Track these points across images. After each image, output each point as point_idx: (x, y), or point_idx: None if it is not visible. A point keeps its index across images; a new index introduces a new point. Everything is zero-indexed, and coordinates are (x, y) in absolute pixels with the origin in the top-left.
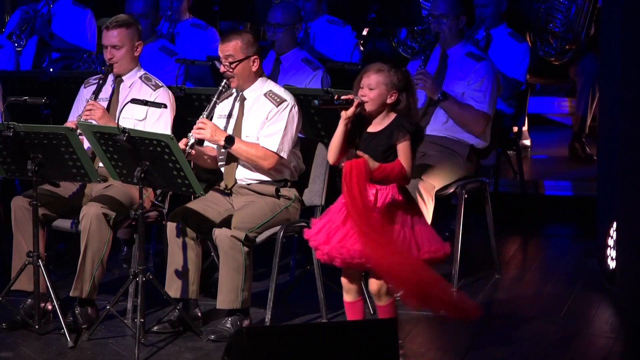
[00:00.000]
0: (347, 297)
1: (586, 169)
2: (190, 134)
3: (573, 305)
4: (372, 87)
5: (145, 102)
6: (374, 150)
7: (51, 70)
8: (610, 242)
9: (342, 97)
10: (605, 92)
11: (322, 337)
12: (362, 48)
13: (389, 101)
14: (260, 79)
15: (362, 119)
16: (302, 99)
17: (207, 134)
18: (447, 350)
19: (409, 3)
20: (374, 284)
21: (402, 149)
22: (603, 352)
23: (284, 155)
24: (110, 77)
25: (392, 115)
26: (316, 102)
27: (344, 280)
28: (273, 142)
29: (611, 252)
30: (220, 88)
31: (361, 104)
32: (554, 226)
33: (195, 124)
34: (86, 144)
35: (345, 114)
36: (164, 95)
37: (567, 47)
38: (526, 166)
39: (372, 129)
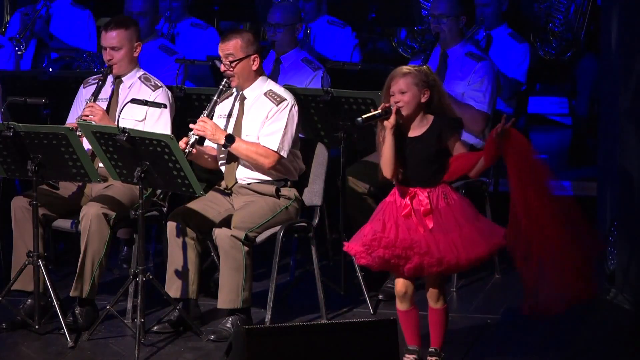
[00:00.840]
0: (401, 306)
1: (586, 169)
2: (191, 133)
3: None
4: (403, 90)
5: (145, 102)
6: (423, 154)
7: (51, 70)
8: (610, 242)
9: (379, 109)
10: (605, 92)
11: (322, 337)
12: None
13: (423, 100)
14: (260, 78)
15: (398, 126)
16: (302, 99)
17: (208, 133)
18: (447, 350)
19: (409, 3)
20: (435, 287)
21: (460, 147)
22: (603, 352)
23: (284, 154)
24: (110, 78)
25: (430, 117)
26: (359, 120)
27: (399, 287)
28: (273, 141)
29: (611, 252)
30: (221, 87)
31: (398, 111)
32: None
33: (195, 123)
34: (86, 145)
35: (389, 124)
36: (163, 95)
37: (566, 46)
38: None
39: (412, 133)
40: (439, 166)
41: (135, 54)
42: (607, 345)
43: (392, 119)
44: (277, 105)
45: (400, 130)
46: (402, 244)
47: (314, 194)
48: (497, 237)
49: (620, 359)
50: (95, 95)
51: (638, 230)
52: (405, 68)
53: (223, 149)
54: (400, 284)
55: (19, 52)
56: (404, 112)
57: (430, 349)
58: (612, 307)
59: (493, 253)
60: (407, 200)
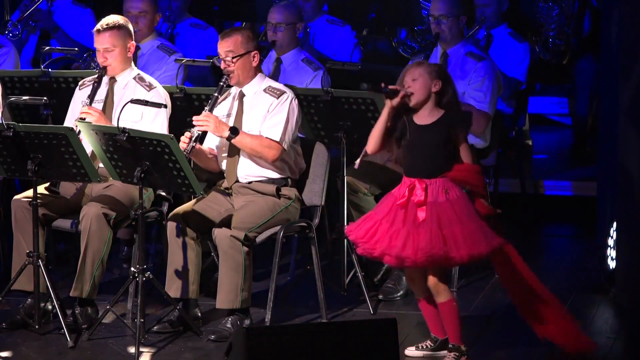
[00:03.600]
0: (419, 297)
1: (586, 169)
2: (193, 129)
3: (573, 305)
4: (415, 78)
5: (145, 102)
6: (427, 143)
7: (51, 70)
8: (610, 242)
9: (390, 87)
10: (605, 92)
11: (322, 337)
12: (362, 48)
13: (434, 89)
14: (258, 76)
15: (404, 112)
16: (302, 99)
17: (211, 127)
18: (446, 347)
19: (409, 3)
20: (431, 280)
21: (464, 149)
22: (603, 352)
23: (285, 146)
24: (105, 79)
25: (440, 111)
26: (365, 85)
27: (407, 275)
28: (276, 132)
29: (611, 252)
30: (221, 84)
31: (407, 96)
32: (554, 226)
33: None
34: (86, 145)
35: (389, 103)
36: (158, 95)
37: (562, 49)
38: (526, 166)
39: (420, 121)
40: (441, 158)
41: (129, 54)
42: (607, 345)
43: (396, 101)
44: (277, 99)
45: (409, 117)
46: (367, 245)
47: (314, 194)
48: (491, 240)
49: (620, 358)
50: (92, 97)
51: (638, 230)
52: (418, 60)
53: (224, 147)
54: (407, 275)
55: (13, 39)
56: (414, 99)
57: (449, 345)
58: (612, 307)
59: (480, 255)
60: (406, 191)
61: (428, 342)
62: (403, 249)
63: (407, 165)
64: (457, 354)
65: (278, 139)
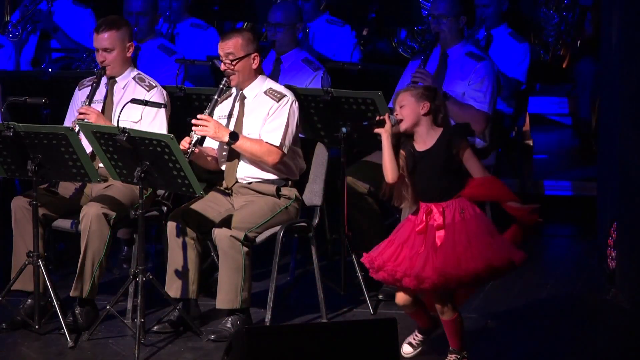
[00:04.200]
0: (407, 310)
1: (586, 169)
2: (193, 132)
3: (573, 305)
4: (402, 104)
5: (145, 102)
6: (432, 168)
7: (51, 70)
8: (610, 242)
9: (376, 120)
10: (605, 92)
11: (322, 337)
12: (362, 48)
13: (422, 112)
14: (259, 77)
15: (406, 138)
16: (302, 99)
17: (211, 131)
18: (447, 350)
19: (409, 3)
20: (436, 305)
21: (471, 161)
22: (603, 352)
23: (286, 150)
24: (104, 79)
25: (438, 130)
26: (366, 123)
27: (399, 299)
28: (276, 137)
29: (611, 252)
30: (221, 86)
31: (394, 121)
32: (554, 226)
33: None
34: (86, 145)
35: (383, 131)
36: (158, 95)
37: (561, 53)
38: (526, 166)
39: (421, 147)
40: (451, 179)
41: (128, 54)
42: (607, 345)
43: (387, 126)
44: (277, 102)
45: (410, 145)
46: (389, 268)
47: (314, 194)
48: (514, 253)
49: (620, 359)
50: (90, 97)
51: (638, 230)
52: (407, 86)
53: (224, 147)
54: (399, 297)
55: (13, 40)
56: (403, 126)
57: (450, 348)
58: (612, 307)
59: (506, 266)
60: (423, 216)
61: (417, 335)
62: (423, 269)
63: (421, 192)
64: (458, 357)
65: (278, 144)
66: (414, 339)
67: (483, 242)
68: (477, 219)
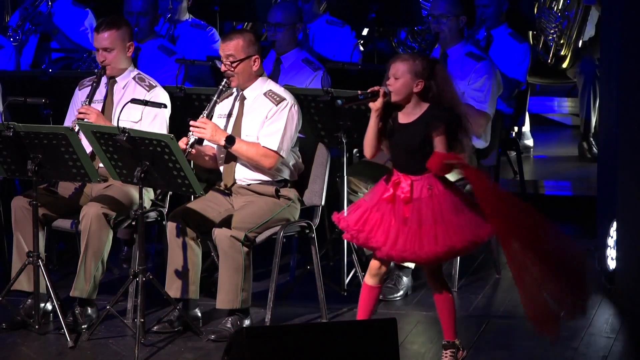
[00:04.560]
0: (370, 281)
1: (586, 169)
2: (191, 133)
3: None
4: (397, 76)
5: (145, 102)
6: (407, 142)
7: (51, 70)
8: (610, 242)
9: (368, 91)
10: (605, 92)
11: (322, 337)
12: (362, 48)
13: (415, 90)
14: (260, 79)
15: (391, 109)
16: (302, 99)
17: (208, 134)
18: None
19: (409, 3)
20: (428, 276)
21: (439, 142)
22: (603, 352)
23: (284, 154)
24: (104, 79)
25: (425, 105)
26: (339, 102)
27: (374, 264)
28: (273, 141)
29: (611, 252)
30: (221, 87)
31: (388, 94)
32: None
33: (194, 121)
34: (86, 145)
35: (374, 106)
36: (158, 95)
37: (562, 53)
38: (527, 166)
39: (403, 119)
40: (423, 156)
41: (129, 54)
42: (607, 345)
43: (379, 102)
44: (276, 105)
45: (390, 114)
46: (360, 235)
47: (314, 194)
48: (479, 231)
49: (620, 358)
50: (90, 97)
51: (638, 230)
52: (405, 55)
53: (222, 149)
54: (374, 262)
55: (14, 43)
56: (393, 98)
57: (443, 342)
58: (612, 307)
59: (469, 247)
60: (391, 186)
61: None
62: (394, 246)
63: (394, 162)
64: (454, 351)
65: (275, 148)
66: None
67: (448, 223)
68: (445, 196)
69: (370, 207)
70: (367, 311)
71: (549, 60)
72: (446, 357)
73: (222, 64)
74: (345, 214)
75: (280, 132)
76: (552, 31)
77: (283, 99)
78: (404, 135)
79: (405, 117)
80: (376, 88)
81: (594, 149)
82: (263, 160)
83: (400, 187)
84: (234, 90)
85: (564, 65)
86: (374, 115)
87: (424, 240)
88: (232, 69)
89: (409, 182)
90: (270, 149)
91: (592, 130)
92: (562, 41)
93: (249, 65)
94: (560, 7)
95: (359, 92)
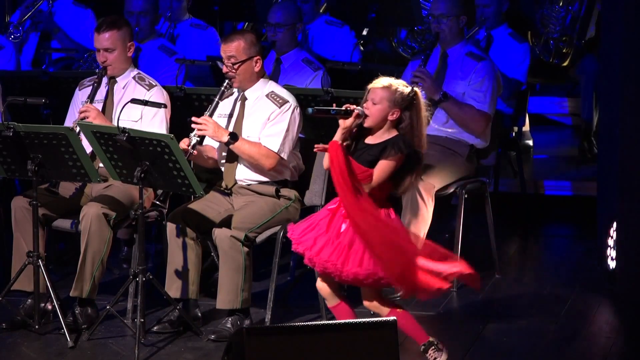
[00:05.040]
0: (329, 303)
1: (586, 169)
2: (192, 134)
3: (573, 305)
4: (375, 101)
5: (145, 102)
6: (363, 160)
7: (51, 70)
8: (610, 242)
9: (343, 107)
10: (605, 92)
11: (322, 337)
12: (362, 48)
13: (390, 118)
14: (262, 80)
15: (362, 129)
16: (302, 99)
17: (210, 131)
18: (447, 350)
19: (409, 3)
20: (366, 302)
21: (382, 165)
22: (603, 352)
23: (285, 156)
24: (105, 79)
25: (394, 132)
26: (310, 110)
27: (320, 285)
28: (274, 142)
29: (611, 252)
30: (222, 88)
31: (362, 116)
32: (554, 226)
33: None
34: (86, 145)
35: (343, 124)
36: (158, 94)
37: (564, 50)
38: (526, 166)
39: (370, 140)
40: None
41: (129, 54)
42: (607, 345)
43: (349, 121)
44: (279, 107)
45: (361, 134)
46: (299, 245)
47: (314, 194)
48: (398, 273)
49: (620, 358)
50: (92, 97)
51: (638, 230)
52: (388, 81)
53: (223, 148)
54: (319, 283)
55: (15, 41)
56: (367, 123)
57: (421, 347)
58: (612, 307)
59: (377, 282)
60: (337, 201)
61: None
62: (318, 253)
63: None
64: (434, 349)
65: (276, 150)
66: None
67: (383, 247)
68: (386, 221)
69: (319, 219)
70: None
71: (550, 59)
72: (431, 356)
73: (224, 65)
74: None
75: (282, 133)
76: (555, 27)
77: (286, 102)
78: (362, 154)
79: (373, 138)
80: (351, 107)
81: (595, 149)
82: (264, 160)
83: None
84: (235, 90)
85: (565, 63)
86: (340, 132)
87: (349, 259)
88: (234, 70)
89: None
90: (271, 150)
91: (593, 129)
92: (564, 38)
93: (250, 66)
94: (563, 1)
95: (334, 105)
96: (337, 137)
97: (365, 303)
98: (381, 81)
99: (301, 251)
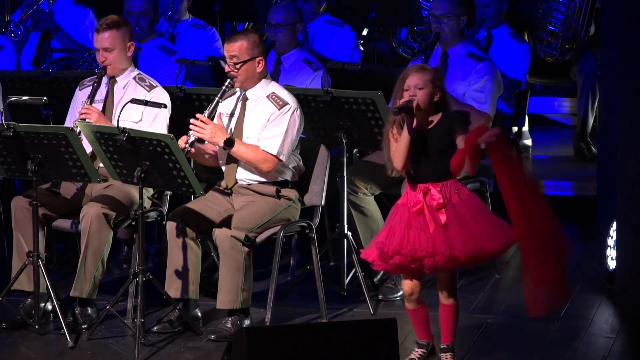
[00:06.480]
0: (409, 305)
1: (586, 169)
2: (191, 132)
3: (573, 305)
4: (420, 86)
5: (145, 102)
6: (434, 147)
7: (51, 70)
8: (610, 242)
9: (400, 105)
10: (605, 92)
11: (322, 337)
12: (362, 48)
13: (435, 99)
14: (263, 80)
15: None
16: (302, 99)
17: (207, 135)
18: (440, 348)
19: (409, 3)
20: (449, 281)
21: (461, 141)
22: (603, 352)
23: (284, 158)
24: (105, 79)
25: (437, 114)
26: (396, 110)
27: (406, 287)
28: (273, 145)
29: (611, 252)
30: (224, 87)
31: (417, 105)
32: None
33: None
34: (86, 145)
35: (407, 118)
36: (158, 95)
37: (567, 46)
38: (526, 166)
39: (421, 127)
40: (447, 161)
41: (129, 54)
42: (607, 345)
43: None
44: (279, 109)
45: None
46: (407, 250)
47: (314, 194)
48: (509, 232)
49: (620, 358)
50: (92, 97)
51: (638, 230)
52: (421, 64)
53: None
54: (406, 286)
55: (15, 39)
56: (419, 109)
57: (442, 346)
58: (612, 307)
59: (506, 248)
60: (420, 196)
61: (420, 351)
62: (451, 249)
63: (417, 172)
64: (453, 354)
65: (275, 152)
66: (417, 356)
67: (490, 220)
68: (473, 198)
69: (404, 226)
70: (424, 330)
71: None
72: (447, 358)
73: (226, 65)
74: (378, 243)
75: (281, 136)
76: (559, 17)
77: (286, 104)
78: (428, 141)
79: (420, 125)
80: (406, 99)
81: (593, 148)
82: (261, 164)
83: (430, 194)
84: (237, 90)
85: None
86: (407, 128)
87: (476, 239)
88: (236, 70)
89: (438, 189)
90: (269, 153)
91: (589, 129)
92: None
93: (252, 66)
94: None
95: (399, 103)
96: (406, 132)
97: (443, 288)
98: (413, 67)
99: (422, 255)
